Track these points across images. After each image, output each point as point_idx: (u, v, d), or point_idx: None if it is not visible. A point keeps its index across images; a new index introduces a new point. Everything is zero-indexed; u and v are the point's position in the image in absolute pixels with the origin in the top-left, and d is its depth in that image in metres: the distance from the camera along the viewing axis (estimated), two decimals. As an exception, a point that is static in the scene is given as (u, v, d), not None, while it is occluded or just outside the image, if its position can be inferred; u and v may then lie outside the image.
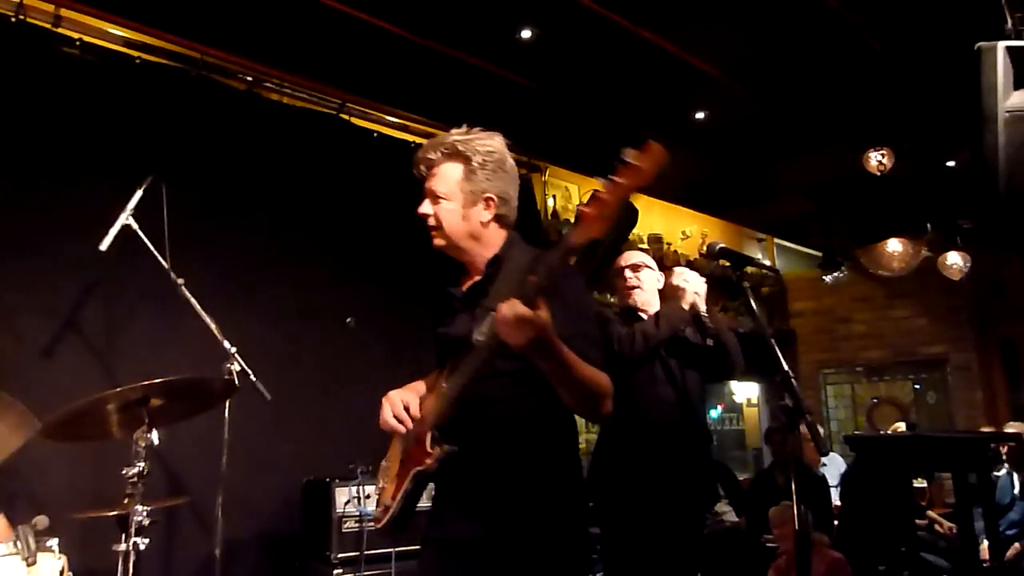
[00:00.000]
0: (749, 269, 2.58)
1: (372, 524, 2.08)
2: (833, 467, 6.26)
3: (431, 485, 1.87)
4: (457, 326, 1.88)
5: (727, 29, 4.35)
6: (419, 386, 2.00)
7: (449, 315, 1.95)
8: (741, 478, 6.50)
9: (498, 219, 1.89)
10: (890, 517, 4.45)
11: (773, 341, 2.11)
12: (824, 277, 7.50)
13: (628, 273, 3.30)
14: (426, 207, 1.90)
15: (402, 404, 1.89)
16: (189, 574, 3.47)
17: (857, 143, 5.64)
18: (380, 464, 2.07)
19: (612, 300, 5.83)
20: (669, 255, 6.66)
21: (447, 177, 1.88)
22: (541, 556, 1.73)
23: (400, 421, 1.87)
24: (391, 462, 2.00)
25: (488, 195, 1.87)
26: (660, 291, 3.35)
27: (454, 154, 1.88)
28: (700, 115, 5.38)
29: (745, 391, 8.47)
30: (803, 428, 2.08)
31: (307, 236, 4.26)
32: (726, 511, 5.59)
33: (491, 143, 1.90)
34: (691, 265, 6.93)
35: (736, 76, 4.80)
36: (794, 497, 1.98)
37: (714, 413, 8.11)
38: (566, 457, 1.87)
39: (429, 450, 1.78)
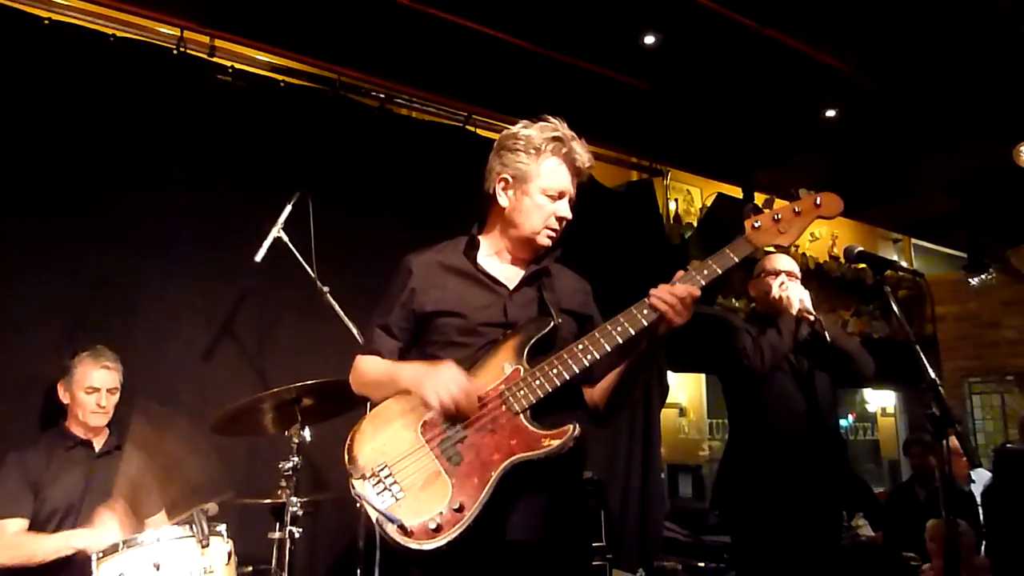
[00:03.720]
0: (888, 273, 2.49)
1: (408, 542, 1.62)
2: (981, 484, 5.86)
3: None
4: (511, 310, 1.93)
5: (858, 22, 4.18)
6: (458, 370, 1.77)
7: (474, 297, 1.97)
8: (877, 491, 6.20)
9: None
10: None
11: (918, 347, 2.05)
12: (970, 280, 7.04)
13: (784, 280, 3.18)
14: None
15: (475, 392, 1.72)
16: (332, 563, 3.65)
17: (1005, 137, 5.29)
18: (366, 468, 1.72)
19: (738, 305, 5.74)
20: (797, 258, 6.42)
21: None
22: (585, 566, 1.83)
23: (463, 410, 1.70)
24: (414, 463, 1.71)
25: None
26: (767, 301, 3.27)
27: None
28: (830, 113, 5.20)
29: (879, 399, 8.04)
30: (952, 439, 2.00)
31: (436, 242, 4.39)
32: (861, 524, 5.37)
33: None
34: (820, 268, 6.69)
35: (869, 71, 4.61)
36: (943, 511, 1.91)
37: (844, 422, 7.73)
38: None
39: (544, 432, 1.67)
